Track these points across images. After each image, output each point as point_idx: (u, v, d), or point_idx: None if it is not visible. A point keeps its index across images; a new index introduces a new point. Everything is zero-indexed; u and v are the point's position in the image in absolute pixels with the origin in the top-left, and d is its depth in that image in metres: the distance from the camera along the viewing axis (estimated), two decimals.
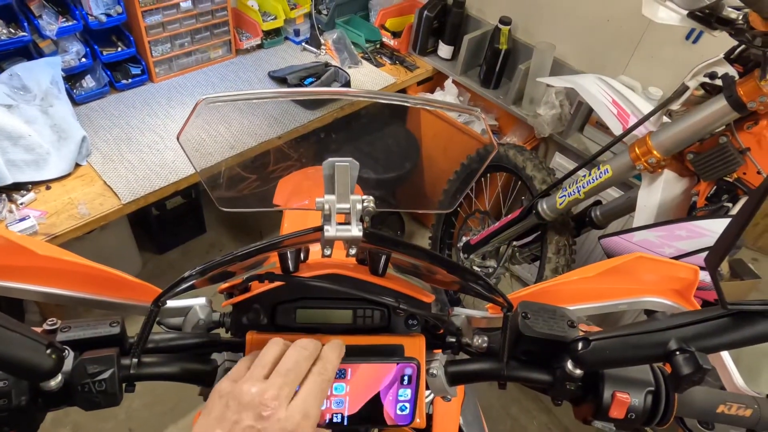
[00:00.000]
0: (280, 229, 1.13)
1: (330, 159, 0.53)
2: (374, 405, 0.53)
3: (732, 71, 1.04)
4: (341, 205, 0.51)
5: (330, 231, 0.50)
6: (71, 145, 1.56)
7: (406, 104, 0.47)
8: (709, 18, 0.93)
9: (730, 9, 0.91)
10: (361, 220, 0.53)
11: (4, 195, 1.44)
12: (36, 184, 1.51)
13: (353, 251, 0.54)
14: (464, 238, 1.96)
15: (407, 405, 0.54)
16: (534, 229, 1.66)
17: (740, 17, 0.91)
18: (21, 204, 1.44)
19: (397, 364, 0.53)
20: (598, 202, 1.58)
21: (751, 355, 1.07)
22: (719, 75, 1.05)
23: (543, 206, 1.51)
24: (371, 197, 0.53)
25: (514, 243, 1.78)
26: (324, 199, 0.51)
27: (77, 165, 1.58)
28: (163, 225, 2.23)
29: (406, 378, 0.53)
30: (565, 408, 0.56)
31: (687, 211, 1.27)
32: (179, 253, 2.36)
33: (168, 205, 2.16)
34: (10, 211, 1.41)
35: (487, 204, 2.04)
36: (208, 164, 0.59)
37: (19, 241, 0.51)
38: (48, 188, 1.51)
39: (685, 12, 0.93)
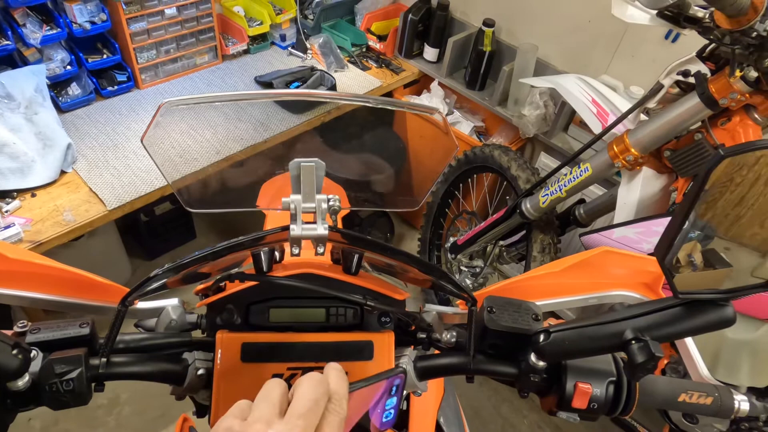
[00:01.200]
0: None
1: (296, 159, 0.54)
2: (363, 421, 0.52)
3: (704, 69, 1.06)
4: (307, 204, 0.52)
5: (296, 230, 0.51)
6: (56, 153, 1.56)
7: (367, 104, 0.48)
8: (677, 17, 0.95)
9: (696, 8, 0.93)
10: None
11: None
12: (21, 191, 1.51)
13: (321, 249, 0.55)
14: (452, 239, 1.97)
15: (392, 411, 0.54)
16: (520, 229, 1.67)
17: (707, 16, 0.93)
18: (6, 212, 1.44)
19: (388, 378, 0.52)
20: (581, 201, 1.60)
21: (730, 351, 1.09)
22: (692, 73, 1.07)
23: (527, 205, 1.53)
24: (337, 196, 0.54)
25: (501, 242, 1.79)
26: (290, 199, 0.52)
27: (63, 172, 1.58)
28: (153, 231, 2.23)
29: (394, 389, 0.53)
30: None
31: (667, 208, 1.29)
32: (169, 259, 2.34)
33: (157, 211, 2.16)
34: None
35: (474, 204, 2.06)
36: (179, 165, 0.60)
37: None
38: (33, 196, 1.52)
39: (654, 11, 0.95)
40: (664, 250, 0.41)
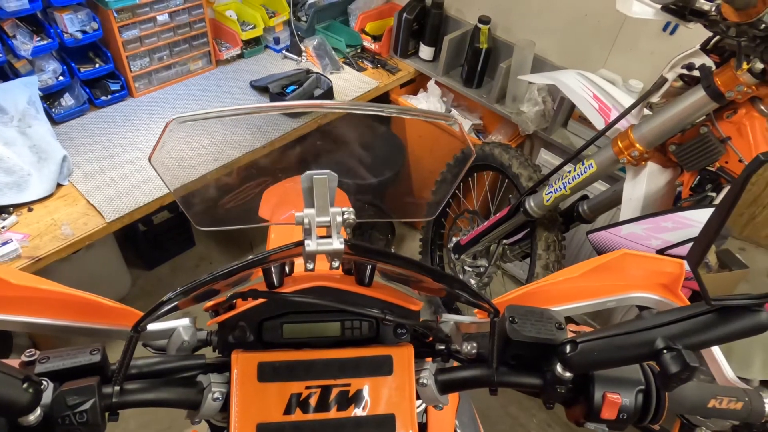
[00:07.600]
0: (267, 241, 1.12)
1: (308, 172, 0.52)
2: None
3: (709, 62, 1.04)
4: (321, 218, 0.51)
5: (311, 245, 0.49)
6: (52, 166, 1.54)
7: (380, 114, 0.46)
8: (682, 10, 0.94)
9: (702, 1, 0.92)
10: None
11: None
12: (17, 206, 1.48)
13: (336, 264, 0.53)
14: (454, 239, 1.96)
15: None
16: (523, 227, 1.66)
17: (713, 8, 0.92)
18: (3, 228, 1.42)
19: None
20: (585, 197, 1.59)
21: (742, 344, 1.08)
22: (696, 66, 1.06)
23: (530, 203, 1.52)
24: (351, 209, 0.53)
25: (504, 241, 1.78)
26: (303, 213, 0.51)
27: (59, 185, 1.56)
28: (151, 241, 2.21)
29: None
30: None
31: (672, 203, 1.28)
32: (169, 269, 2.33)
33: (155, 221, 2.14)
34: None
35: (476, 203, 2.05)
36: (185, 180, 0.58)
37: None
38: (30, 210, 1.49)
39: (659, 5, 0.94)
40: (698, 256, 0.39)
